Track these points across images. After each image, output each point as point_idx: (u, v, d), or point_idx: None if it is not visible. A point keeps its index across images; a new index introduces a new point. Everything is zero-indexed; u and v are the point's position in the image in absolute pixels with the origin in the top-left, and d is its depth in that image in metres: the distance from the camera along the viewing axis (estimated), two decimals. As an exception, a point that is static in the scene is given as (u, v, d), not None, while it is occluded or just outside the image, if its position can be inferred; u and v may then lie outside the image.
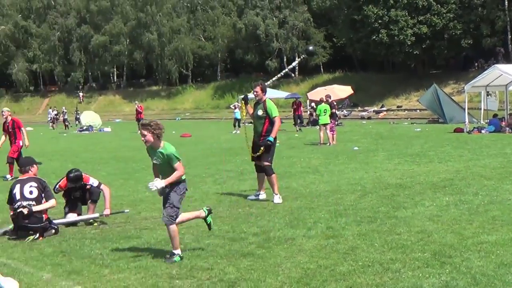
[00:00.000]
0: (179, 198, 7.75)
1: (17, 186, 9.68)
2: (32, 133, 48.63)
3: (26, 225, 9.44)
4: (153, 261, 7.70)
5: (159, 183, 7.64)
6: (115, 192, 12.30)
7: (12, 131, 17.79)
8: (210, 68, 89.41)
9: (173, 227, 7.69)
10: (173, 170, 7.69)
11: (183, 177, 7.82)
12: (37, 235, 9.36)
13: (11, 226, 9.77)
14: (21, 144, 17.66)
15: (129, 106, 78.88)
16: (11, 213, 9.66)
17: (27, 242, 9.16)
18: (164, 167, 7.79)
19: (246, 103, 12.30)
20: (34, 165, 10.14)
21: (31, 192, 9.59)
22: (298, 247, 8.13)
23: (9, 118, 18.00)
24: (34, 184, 9.70)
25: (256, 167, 12.16)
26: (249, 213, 10.74)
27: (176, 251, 7.76)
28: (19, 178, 9.97)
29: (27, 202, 9.50)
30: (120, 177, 16.72)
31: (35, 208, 9.45)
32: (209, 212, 8.38)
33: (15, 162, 16.45)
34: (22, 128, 17.85)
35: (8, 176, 17.03)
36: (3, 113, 18.34)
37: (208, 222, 8.40)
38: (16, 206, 9.51)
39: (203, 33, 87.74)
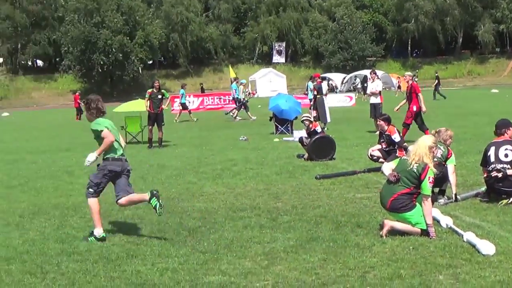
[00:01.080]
0: (96, 174, 7.91)
1: (492, 149, 9.57)
2: (496, 96, 47.78)
3: (499, 188, 9.30)
4: None
5: (90, 156, 7.86)
6: None
7: (409, 95, 17.99)
8: None
9: (90, 201, 7.86)
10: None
11: (115, 155, 7.93)
12: (510, 199, 9.15)
13: (483, 188, 9.75)
14: (414, 109, 17.66)
15: None
16: (485, 175, 9.62)
17: (500, 206, 9.01)
18: (97, 142, 8.00)
19: None
20: (511, 128, 9.81)
21: (506, 155, 9.38)
22: None
23: (410, 82, 18.40)
24: (509, 147, 9.45)
25: None
26: None
27: (95, 230, 7.81)
28: (494, 141, 9.77)
29: (502, 165, 9.34)
30: None
31: (510, 172, 9.23)
32: (152, 195, 7.80)
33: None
34: (419, 94, 17.82)
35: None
36: (405, 77, 19.02)
37: (154, 205, 7.79)
38: (490, 168, 9.43)
39: None
